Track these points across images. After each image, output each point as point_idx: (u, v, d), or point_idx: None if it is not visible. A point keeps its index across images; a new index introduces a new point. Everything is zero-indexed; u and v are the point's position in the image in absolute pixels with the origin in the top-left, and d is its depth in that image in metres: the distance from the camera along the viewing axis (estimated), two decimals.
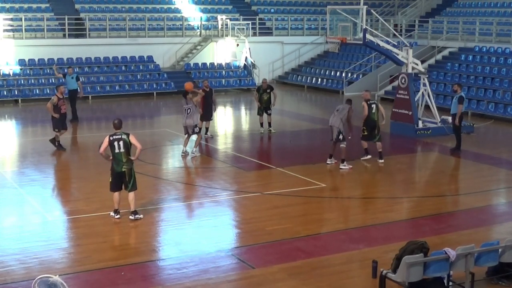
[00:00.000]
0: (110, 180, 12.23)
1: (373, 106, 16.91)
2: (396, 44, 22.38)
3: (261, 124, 20.98)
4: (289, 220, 12.42)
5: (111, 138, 12.01)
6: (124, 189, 12.20)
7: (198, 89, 19.40)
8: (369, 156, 17.16)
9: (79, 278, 9.70)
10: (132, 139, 12.06)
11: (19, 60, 29.54)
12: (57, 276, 7.58)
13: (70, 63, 30.47)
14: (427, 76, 21.68)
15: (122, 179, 12.15)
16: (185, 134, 17.53)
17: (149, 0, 35.62)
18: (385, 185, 15.16)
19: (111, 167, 12.19)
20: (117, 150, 11.98)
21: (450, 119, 19.17)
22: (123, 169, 12.05)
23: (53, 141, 18.42)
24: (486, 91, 25.75)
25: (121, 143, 11.96)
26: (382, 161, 16.93)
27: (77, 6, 33.73)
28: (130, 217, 12.28)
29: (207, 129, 19.96)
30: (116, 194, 12.24)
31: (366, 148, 17.18)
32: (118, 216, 12.32)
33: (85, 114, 25.95)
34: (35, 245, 10.98)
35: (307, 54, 36.41)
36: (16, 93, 28.32)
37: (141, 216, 12.39)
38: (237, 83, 32.84)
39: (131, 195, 12.20)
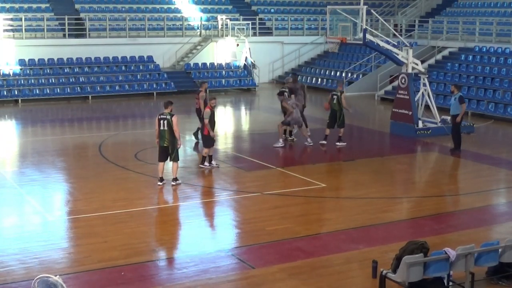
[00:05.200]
0: (158, 152, 14.65)
1: (335, 97, 19.03)
2: (396, 44, 22.38)
3: (290, 133, 19.72)
4: (289, 220, 12.42)
5: (159, 117, 14.36)
6: (169, 160, 14.48)
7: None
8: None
9: (79, 278, 9.69)
10: (174, 121, 14.16)
11: (19, 60, 29.53)
12: (57, 276, 7.57)
13: (70, 63, 30.51)
14: (427, 76, 21.67)
15: (166, 152, 14.41)
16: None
17: (149, 0, 35.62)
18: (385, 185, 15.16)
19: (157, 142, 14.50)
20: (161, 128, 14.26)
21: (449, 119, 19.12)
22: (165, 144, 14.30)
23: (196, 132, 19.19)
24: (486, 91, 25.75)
25: (165, 122, 14.20)
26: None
27: (77, 6, 33.72)
28: (172, 183, 14.54)
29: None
30: (161, 164, 14.54)
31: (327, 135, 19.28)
32: (162, 183, 14.47)
33: (85, 114, 26.00)
34: (35, 245, 10.97)
35: (307, 54, 36.41)
36: (16, 93, 28.32)
37: (180, 182, 14.63)
38: (237, 83, 32.85)
39: (175, 165, 14.50)
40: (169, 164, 14.81)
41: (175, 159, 14.48)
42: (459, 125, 18.29)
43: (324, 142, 19.32)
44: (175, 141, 14.31)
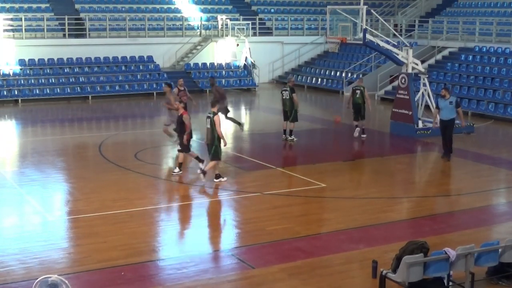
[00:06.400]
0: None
1: (358, 91, 19.93)
2: (396, 44, 22.38)
3: (290, 132, 19.69)
4: (289, 220, 12.42)
5: (206, 115, 14.83)
6: (209, 158, 14.80)
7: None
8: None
9: (79, 278, 9.69)
10: (215, 120, 14.46)
11: (19, 60, 29.54)
12: (56, 275, 7.58)
13: (70, 63, 30.51)
14: (427, 76, 21.67)
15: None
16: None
17: (149, 0, 35.62)
18: (385, 185, 15.15)
19: None
20: (207, 126, 14.68)
21: (437, 124, 17.85)
22: (208, 142, 14.73)
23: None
24: (486, 91, 25.74)
25: (208, 120, 14.62)
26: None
27: (77, 6, 33.73)
28: (198, 171, 14.90)
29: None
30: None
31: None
32: (219, 179, 14.83)
33: (85, 114, 26.00)
34: (35, 245, 10.97)
35: (307, 54, 36.41)
36: (16, 93, 28.32)
37: (204, 180, 14.66)
38: (237, 83, 32.85)
39: (211, 163, 14.74)
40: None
41: (213, 158, 14.69)
42: (452, 129, 17.50)
43: (357, 134, 20.24)
44: (214, 140, 14.54)
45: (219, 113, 18.91)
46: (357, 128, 20.25)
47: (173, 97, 18.17)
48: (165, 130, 18.73)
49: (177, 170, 15.60)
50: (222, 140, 14.63)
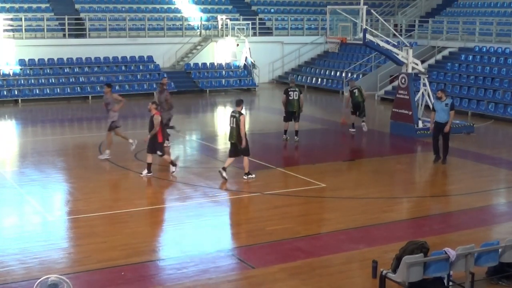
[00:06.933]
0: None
1: (355, 91, 20.65)
2: (396, 44, 22.38)
3: (296, 132, 19.61)
4: (289, 220, 12.42)
5: (230, 114, 14.99)
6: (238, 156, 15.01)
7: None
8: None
9: (79, 278, 9.68)
10: (241, 119, 14.64)
11: (19, 60, 29.54)
12: (56, 275, 7.59)
13: (70, 63, 30.51)
14: (427, 76, 21.68)
15: (235, 148, 14.95)
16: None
17: (149, 0, 35.62)
18: (385, 185, 15.16)
19: None
20: (230, 125, 14.89)
21: (432, 126, 17.46)
22: (233, 141, 14.87)
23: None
24: (486, 91, 25.74)
25: (234, 120, 14.76)
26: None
27: (77, 6, 33.73)
28: (244, 177, 15.06)
29: None
30: (229, 159, 15.11)
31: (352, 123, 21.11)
32: (224, 174, 14.87)
33: (85, 114, 26.01)
34: (35, 245, 10.97)
35: (307, 54, 36.42)
36: (16, 93, 28.32)
37: (253, 176, 15.06)
38: (237, 83, 32.85)
39: (245, 159, 15.01)
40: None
41: (245, 154, 14.99)
42: (449, 132, 17.20)
43: (353, 130, 20.98)
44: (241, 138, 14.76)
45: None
46: (362, 123, 20.98)
47: (116, 96, 17.56)
48: (117, 133, 17.62)
49: (173, 169, 15.62)
50: (243, 140, 14.74)
